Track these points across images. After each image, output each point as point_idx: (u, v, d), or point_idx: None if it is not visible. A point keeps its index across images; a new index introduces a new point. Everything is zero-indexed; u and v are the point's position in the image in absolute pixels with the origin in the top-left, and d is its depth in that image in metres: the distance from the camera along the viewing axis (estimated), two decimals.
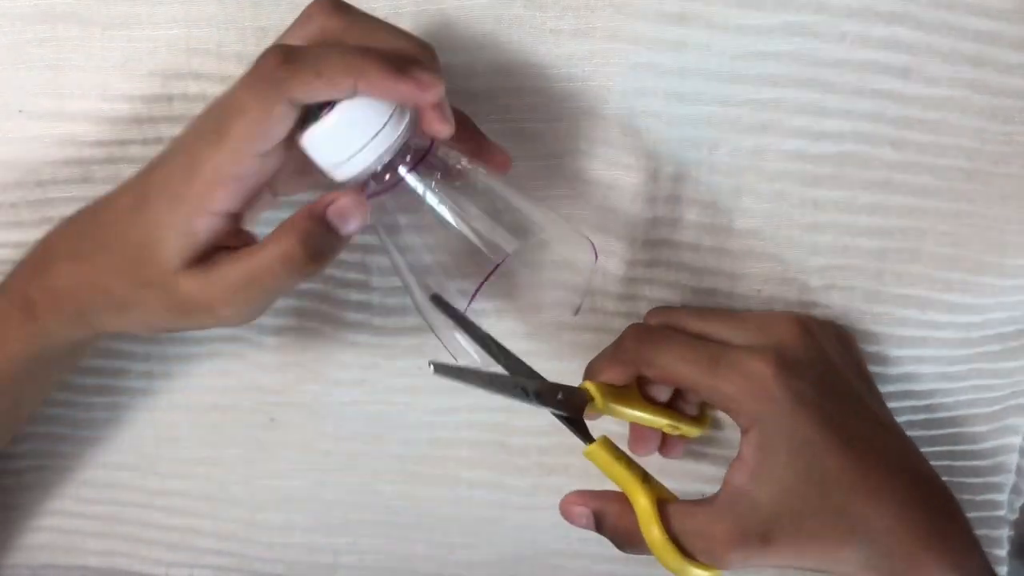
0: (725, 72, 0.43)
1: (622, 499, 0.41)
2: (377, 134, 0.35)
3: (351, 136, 0.35)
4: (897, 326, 0.47)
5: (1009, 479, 0.53)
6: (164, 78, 0.43)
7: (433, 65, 0.37)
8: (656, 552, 0.39)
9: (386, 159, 0.36)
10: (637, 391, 0.44)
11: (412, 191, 0.38)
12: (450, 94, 0.43)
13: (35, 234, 0.46)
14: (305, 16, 0.37)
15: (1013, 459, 0.52)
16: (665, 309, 0.47)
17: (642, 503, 0.39)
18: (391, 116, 0.35)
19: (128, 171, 0.45)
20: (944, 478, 0.52)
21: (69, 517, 0.54)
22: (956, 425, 0.51)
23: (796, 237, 0.46)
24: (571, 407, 0.41)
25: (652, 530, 0.39)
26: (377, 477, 0.53)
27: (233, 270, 0.36)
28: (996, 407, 0.51)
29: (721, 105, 0.44)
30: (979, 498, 0.53)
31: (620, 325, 0.48)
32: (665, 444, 0.46)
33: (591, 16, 0.42)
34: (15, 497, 0.54)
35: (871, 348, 0.48)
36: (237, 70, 0.43)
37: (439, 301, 0.40)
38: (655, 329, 0.44)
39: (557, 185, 0.46)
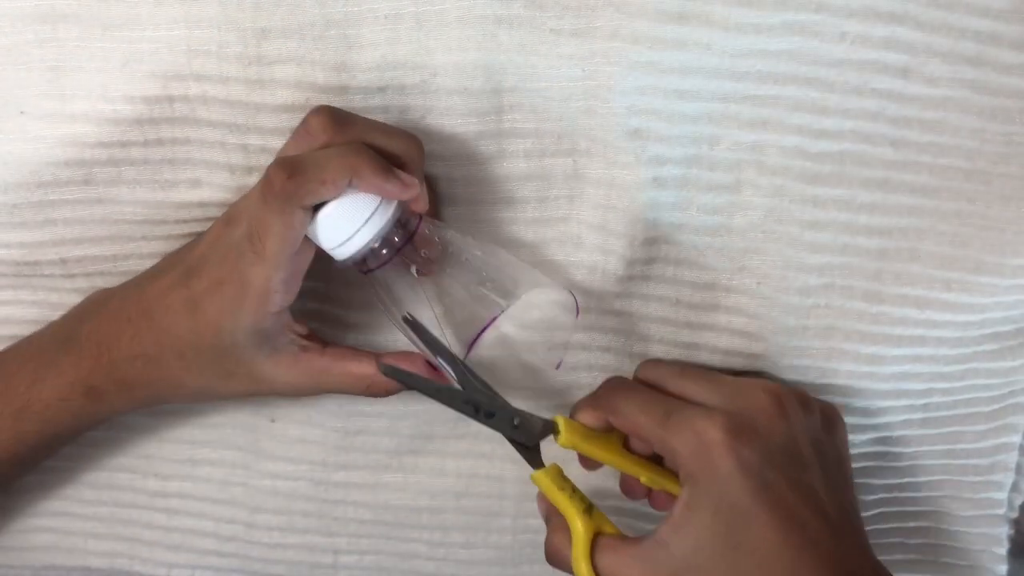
0: (725, 70, 0.43)
1: (564, 522, 0.43)
2: (369, 219, 0.40)
3: (347, 222, 0.40)
4: (896, 325, 0.47)
5: (1008, 477, 0.53)
6: (165, 79, 0.43)
7: (419, 157, 0.42)
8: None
9: (378, 240, 0.41)
10: (618, 439, 0.45)
11: (407, 263, 0.43)
12: (451, 95, 0.43)
13: (37, 235, 0.46)
14: (305, 131, 0.41)
15: (1012, 457, 0.52)
16: (653, 364, 0.47)
17: (578, 533, 0.42)
18: (380, 202, 0.41)
19: (130, 172, 0.45)
20: (943, 477, 0.53)
21: (70, 518, 0.54)
22: (955, 424, 0.51)
23: (796, 234, 0.46)
24: (526, 434, 0.44)
25: (580, 563, 0.41)
26: (377, 477, 0.53)
27: (318, 361, 0.44)
28: (995, 406, 0.51)
29: (721, 101, 0.44)
30: (978, 496, 0.53)
31: (620, 323, 0.49)
32: (651, 495, 0.46)
33: (591, 15, 0.42)
34: (16, 498, 0.54)
35: (869, 348, 0.48)
36: (238, 71, 0.43)
37: (412, 323, 0.43)
38: (628, 381, 0.46)
39: (557, 185, 0.46)
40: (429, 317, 0.44)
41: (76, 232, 0.46)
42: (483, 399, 0.43)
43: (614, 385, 0.45)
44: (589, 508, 0.43)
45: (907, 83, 0.43)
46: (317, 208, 0.40)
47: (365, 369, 0.44)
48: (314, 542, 0.55)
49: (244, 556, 0.55)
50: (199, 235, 0.45)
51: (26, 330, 0.48)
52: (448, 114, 0.44)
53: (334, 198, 0.40)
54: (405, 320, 0.44)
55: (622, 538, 0.42)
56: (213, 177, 0.45)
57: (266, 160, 0.45)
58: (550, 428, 0.44)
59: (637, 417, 0.43)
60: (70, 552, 0.55)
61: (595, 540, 0.42)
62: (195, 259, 0.42)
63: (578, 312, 0.45)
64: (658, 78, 0.43)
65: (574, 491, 0.43)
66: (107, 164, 0.45)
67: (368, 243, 0.41)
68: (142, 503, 0.54)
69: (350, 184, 0.39)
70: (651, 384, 0.45)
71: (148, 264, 0.47)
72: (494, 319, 0.41)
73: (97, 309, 0.45)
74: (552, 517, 0.44)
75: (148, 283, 0.44)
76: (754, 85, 0.43)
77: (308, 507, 0.54)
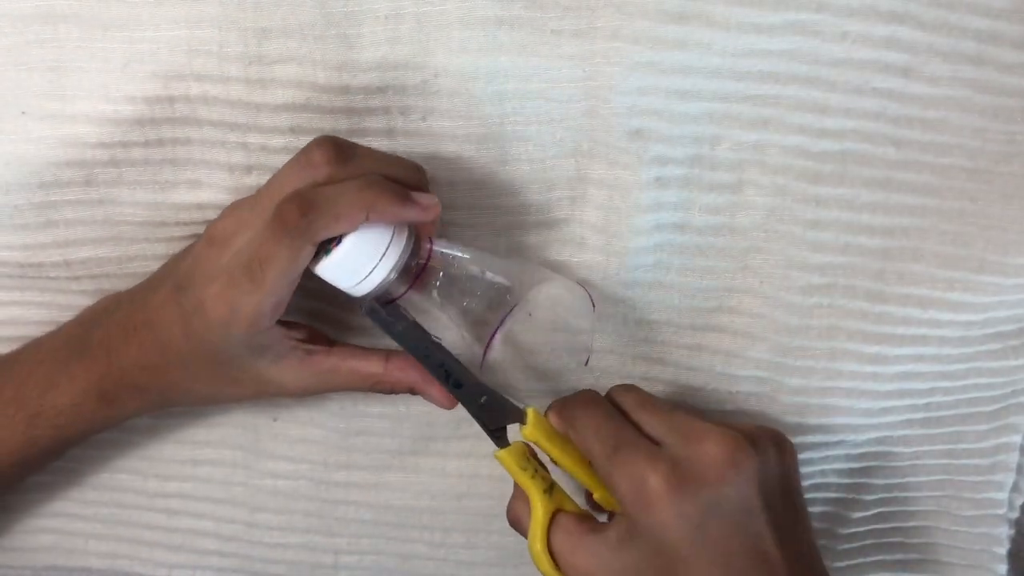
0: (726, 70, 0.43)
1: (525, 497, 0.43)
2: (384, 254, 0.40)
3: (361, 261, 0.40)
4: (898, 325, 0.47)
5: (1009, 477, 0.53)
6: (166, 79, 0.43)
7: (425, 186, 0.42)
8: (534, 559, 0.42)
9: (394, 274, 0.41)
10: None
11: (425, 290, 0.42)
12: (452, 96, 0.44)
13: (39, 237, 0.46)
14: (307, 162, 0.40)
15: (1013, 457, 0.52)
16: (623, 389, 0.45)
17: (537, 512, 0.42)
18: (393, 235, 0.40)
19: (131, 173, 0.45)
20: (944, 477, 0.53)
21: (71, 519, 0.54)
22: (956, 424, 0.51)
23: (798, 234, 0.46)
24: (492, 416, 0.44)
25: (535, 542, 0.42)
26: (379, 477, 0.53)
27: (326, 361, 0.44)
28: (996, 406, 0.51)
29: (722, 101, 0.44)
30: (979, 496, 0.53)
31: (623, 325, 0.49)
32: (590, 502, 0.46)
33: (592, 16, 0.42)
34: (17, 499, 0.54)
35: (872, 348, 0.48)
36: (239, 71, 0.43)
37: (373, 312, 0.43)
38: (597, 398, 0.44)
39: (559, 186, 0.46)
40: (452, 337, 0.44)
41: (78, 233, 0.46)
42: (456, 369, 0.43)
43: (583, 399, 0.44)
44: (550, 488, 0.43)
45: (908, 82, 0.43)
46: (325, 251, 0.40)
47: (373, 367, 0.44)
48: (315, 542, 0.55)
49: (245, 556, 0.55)
50: (187, 247, 0.45)
51: (34, 331, 0.48)
52: (449, 115, 0.44)
53: (344, 239, 0.39)
54: (367, 310, 0.43)
55: (579, 520, 0.42)
56: (213, 177, 0.45)
57: (266, 159, 0.45)
58: (518, 416, 0.44)
59: (590, 441, 0.42)
60: (71, 553, 0.55)
61: (554, 518, 0.42)
62: (182, 276, 0.42)
63: (594, 304, 0.44)
64: (659, 78, 0.43)
65: (536, 471, 0.43)
66: (108, 165, 0.45)
67: (387, 277, 0.41)
68: (143, 503, 0.54)
69: (366, 219, 0.39)
70: (618, 407, 0.44)
71: (154, 266, 0.47)
72: (504, 318, 0.41)
73: (107, 316, 0.45)
74: (516, 491, 0.44)
75: (147, 294, 0.44)
76: (755, 85, 0.43)
77: (309, 507, 0.54)
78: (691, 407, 0.47)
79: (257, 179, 0.45)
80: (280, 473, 0.53)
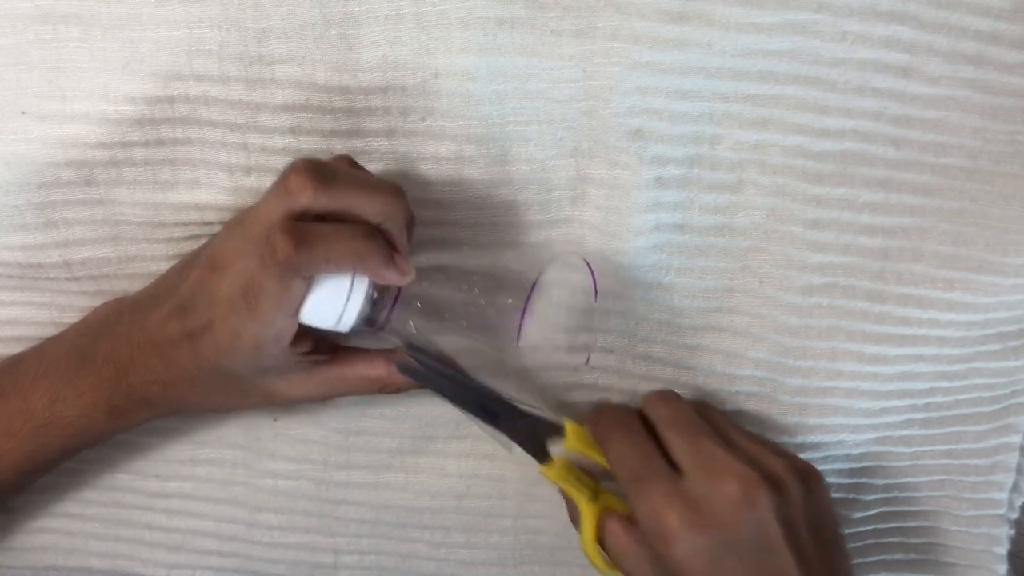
0: (726, 70, 0.43)
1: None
2: (352, 287, 0.40)
3: (331, 303, 0.40)
4: (898, 325, 0.47)
5: (1009, 478, 0.53)
6: (166, 79, 0.43)
7: (403, 213, 0.40)
8: (589, 560, 0.45)
9: (368, 307, 0.41)
10: None
11: (411, 303, 0.43)
12: (452, 96, 0.43)
13: (39, 237, 0.46)
14: (285, 190, 0.38)
15: (1013, 458, 0.52)
16: (662, 401, 0.45)
17: (586, 518, 0.44)
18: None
19: (131, 173, 0.45)
20: (944, 477, 0.53)
21: (71, 519, 0.54)
22: (956, 424, 0.51)
23: (798, 233, 0.46)
24: (531, 437, 0.45)
25: (588, 546, 0.44)
26: (378, 477, 0.53)
27: (331, 371, 0.45)
28: (996, 406, 0.51)
29: (723, 101, 0.44)
30: (979, 496, 0.53)
31: (623, 325, 0.49)
32: None
33: (592, 16, 0.42)
34: (17, 499, 0.54)
35: (872, 348, 0.48)
36: (239, 71, 0.43)
37: (416, 349, 0.44)
38: (628, 419, 0.45)
39: (559, 186, 0.46)
40: (452, 342, 0.45)
41: (78, 234, 0.46)
42: (492, 399, 0.44)
43: (615, 419, 0.45)
44: (595, 494, 0.45)
45: (908, 82, 0.43)
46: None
47: (378, 371, 0.45)
48: (315, 542, 0.55)
49: (245, 556, 0.55)
50: (185, 265, 0.44)
51: (34, 331, 0.48)
52: (449, 115, 0.44)
53: (314, 284, 0.40)
54: (410, 348, 0.44)
55: (626, 523, 0.43)
56: (213, 178, 0.45)
57: (266, 160, 0.45)
58: (557, 430, 0.45)
59: (616, 467, 0.43)
60: (71, 553, 0.55)
61: (604, 519, 0.44)
62: (185, 296, 0.42)
63: (596, 294, 0.44)
64: (659, 78, 0.43)
65: (579, 479, 0.45)
66: (108, 165, 0.45)
67: (362, 309, 0.41)
68: (143, 503, 0.54)
69: (352, 270, 0.40)
70: (646, 420, 0.45)
71: (153, 266, 0.47)
72: (534, 286, 0.41)
73: (109, 328, 0.45)
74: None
75: (148, 311, 0.43)
76: (755, 85, 0.43)
77: (309, 507, 0.54)
78: (733, 424, 0.46)
79: (257, 180, 0.45)
80: (280, 473, 0.53)
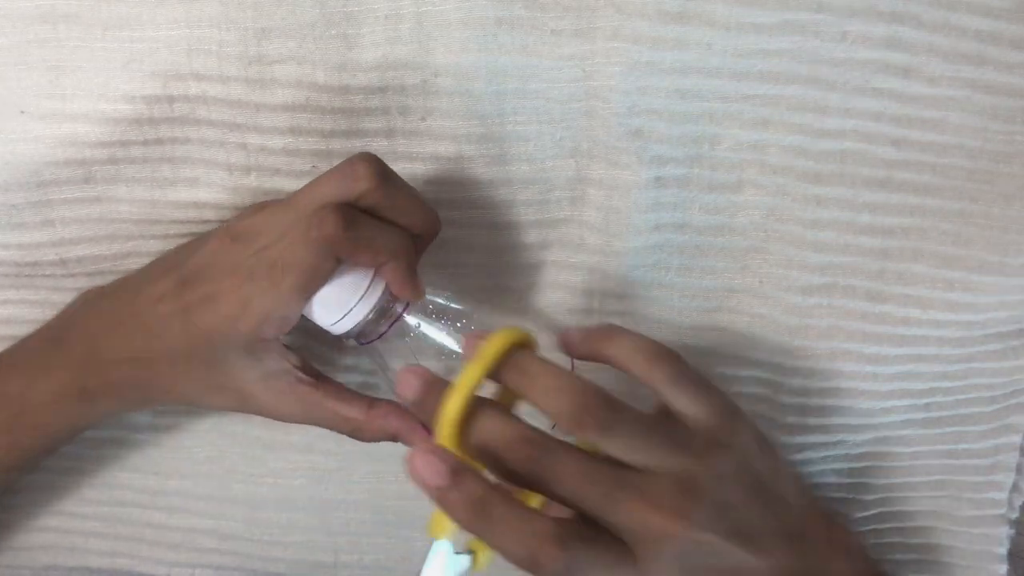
0: (726, 69, 0.43)
1: None
2: (364, 295, 0.41)
3: (342, 299, 0.40)
4: (898, 325, 0.47)
5: (1009, 478, 0.53)
6: (165, 79, 0.43)
7: (434, 236, 0.42)
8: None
9: (372, 314, 0.41)
10: None
11: (403, 330, 0.43)
12: (452, 96, 0.43)
13: (36, 236, 0.46)
14: (351, 172, 0.39)
15: (1013, 458, 0.52)
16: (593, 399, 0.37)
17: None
18: (373, 277, 0.41)
19: (129, 171, 0.45)
20: (944, 477, 0.53)
21: (71, 518, 0.54)
22: (956, 424, 0.51)
23: (798, 233, 0.46)
24: None
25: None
26: (378, 477, 0.53)
27: (312, 394, 0.43)
28: (996, 406, 0.51)
29: (722, 101, 0.44)
30: (979, 497, 0.53)
31: (622, 326, 0.48)
32: None
33: (592, 16, 0.42)
34: (16, 497, 0.54)
35: (872, 348, 0.48)
36: (238, 71, 0.43)
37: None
38: (558, 445, 0.37)
39: (559, 186, 0.46)
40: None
41: (75, 232, 0.46)
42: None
43: (545, 446, 0.37)
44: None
45: (908, 82, 0.43)
46: None
47: (355, 413, 0.43)
48: (315, 541, 0.55)
49: (245, 555, 0.55)
50: (195, 241, 0.45)
51: (29, 330, 0.48)
52: (449, 115, 0.44)
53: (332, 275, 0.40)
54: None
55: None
56: (212, 177, 0.45)
57: (265, 160, 0.45)
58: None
59: (576, 494, 0.36)
60: (71, 551, 0.55)
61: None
62: (191, 270, 0.41)
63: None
64: (659, 78, 0.43)
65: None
66: (107, 163, 0.45)
67: (366, 315, 0.41)
68: (143, 502, 0.54)
69: (383, 266, 0.40)
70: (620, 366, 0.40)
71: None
72: None
73: (87, 309, 0.45)
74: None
75: (141, 287, 0.43)
76: (755, 84, 0.43)
77: (309, 506, 0.54)
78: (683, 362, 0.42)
79: (256, 179, 0.45)
80: (280, 472, 0.53)
